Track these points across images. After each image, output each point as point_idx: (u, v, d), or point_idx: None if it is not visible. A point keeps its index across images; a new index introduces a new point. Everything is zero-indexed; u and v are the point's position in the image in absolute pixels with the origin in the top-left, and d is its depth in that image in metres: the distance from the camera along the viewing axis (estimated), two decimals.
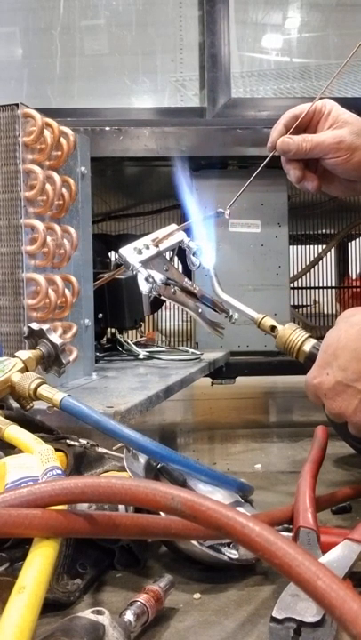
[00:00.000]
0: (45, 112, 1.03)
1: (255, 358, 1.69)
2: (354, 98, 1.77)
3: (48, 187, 1.01)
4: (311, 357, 0.82)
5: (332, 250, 2.59)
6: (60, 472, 0.62)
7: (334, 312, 2.64)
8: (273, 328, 0.87)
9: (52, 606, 0.62)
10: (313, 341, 0.85)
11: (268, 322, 0.88)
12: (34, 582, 0.46)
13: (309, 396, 0.79)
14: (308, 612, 0.52)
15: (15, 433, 0.69)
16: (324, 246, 2.44)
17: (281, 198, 1.69)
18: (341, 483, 1.09)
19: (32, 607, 0.44)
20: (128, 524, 0.55)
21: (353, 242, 2.84)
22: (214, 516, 0.46)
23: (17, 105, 0.99)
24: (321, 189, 1.01)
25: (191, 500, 0.47)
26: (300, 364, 1.76)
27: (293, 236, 2.32)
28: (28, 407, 0.78)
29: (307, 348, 0.86)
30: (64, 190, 1.07)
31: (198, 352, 1.56)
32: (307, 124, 0.98)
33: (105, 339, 1.68)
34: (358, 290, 2.74)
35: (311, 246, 2.56)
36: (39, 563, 0.48)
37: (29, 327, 0.85)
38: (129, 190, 2.14)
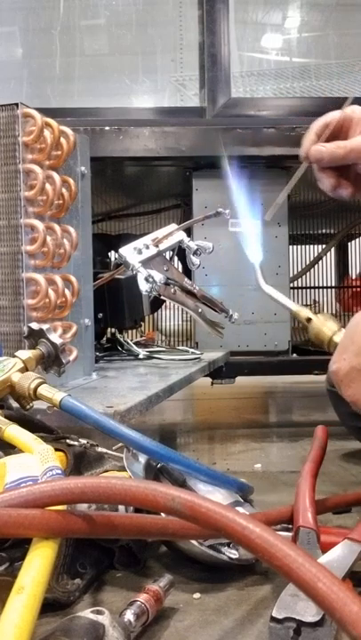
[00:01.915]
0: (45, 112, 1.03)
1: (255, 358, 1.69)
2: (354, 98, 1.76)
3: (48, 186, 1.01)
4: None
5: (332, 250, 2.59)
6: (59, 472, 0.62)
7: (334, 312, 2.64)
8: (309, 319, 0.86)
9: (52, 606, 0.62)
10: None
11: (305, 313, 0.87)
12: (33, 583, 0.46)
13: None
14: (308, 611, 0.52)
15: (15, 433, 0.69)
16: (324, 246, 2.44)
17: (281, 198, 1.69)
18: (341, 482, 1.09)
19: (31, 607, 0.44)
20: (126, 524, 0.55)
21: (353, 242, 2.83)
22: (215, 517, 0.46)
23: (17, 105, 0.99)
24: (356, 196, 1.01)
25: (191, 500, 0.47)
26: (300, 363, 1.77)
27: (293, 236, 2.32)
28: (28, 407, 0.78)
29: (337, 338, 0.85)
30: (64, 190, 1.07)
31: (198, 352, 1.57)
32: (337, 132, 0.98)
33: (105, 338, 1.68)
34: (358, 290, 2.74)
35: (311, 246, 2.56)
36: (38, 563, 0.48)
37: (29, 327, 0.85)
38: (129, 190, 2.14)
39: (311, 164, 0.95)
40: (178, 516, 0.48)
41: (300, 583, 0.40)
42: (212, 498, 0.53)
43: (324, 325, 0.84)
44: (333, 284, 2.76)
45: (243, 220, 1.03)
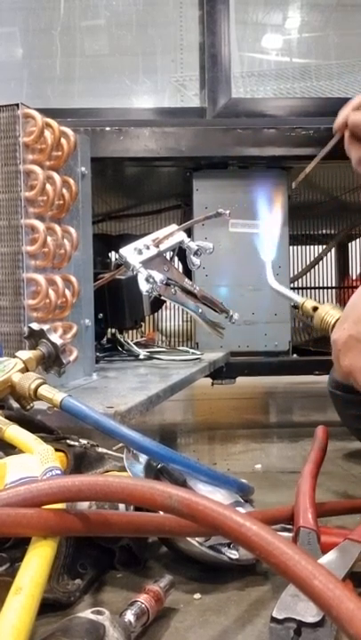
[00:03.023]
0: (46, 112, 1.03)
1: (255, 358, 1.69)
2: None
3: (48, 187, 1.01)
4: None
5: (333, 250, 2.59)
6: (59, 472, 0.62)
7: None
8: (315, 308, 0.89)
9: (53, 606, 0.62)
10: None
11: (311, 303, 0.90)
12: (31, 583, 0.46)
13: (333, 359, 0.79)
14: (309, 612, 0.52)
15: (15, 433, 0.69)
16: (324, 246, 2.44)
17: (281, 198, 1.69)
18: (342, 483, 1.09)
19: (29, 608, 0.44)
20: (122, 522, 0.56)
21: (353, 242, 2.83)
22: (212, 515, 0.46)
23: (17, 105, 0.99)
24: None
25: (189, 498, 0.47)
26: (300, 364, 1.77)
27: (293, 236, 2.32)
28: (29, 407, 0.78)
29: None
30: (64, 190, 1.07)
31: (198, 352, 1.57)
32: None
33: (105, 339, 1.68)
34: None
35: (311, 246, 2.56)
36: (36, 563, 0.48)
37: (30, 327, 0.85)
38: (129, 190, 2.14)
39: (343, 135, 0.98)
40: (175, 514, 0.48)
41: (296, 581, 0.40)
42: (213, 498, 0.53)
43: (328, 313, 0.86)
44: (334, 285, 2.76)
45: (262, 222, 1.07)
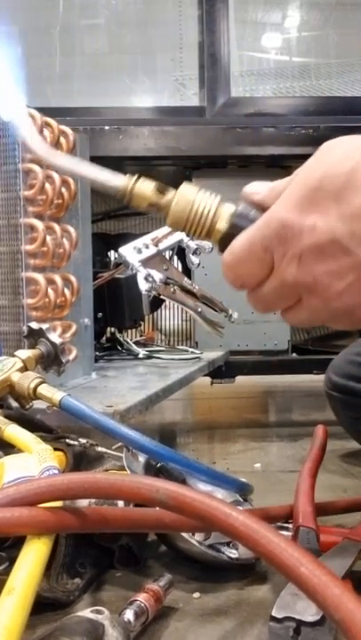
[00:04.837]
0: (45, 111, 1.03)
1: (255, 358, 1.69)
2: (353, 97, 1.77)
3: (47, 186, 1.01)
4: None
5: None
6: (56, 471, 0.62)
7: None
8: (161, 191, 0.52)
9: (52, 605, 0.62)
10: (233, 207, 0.51)
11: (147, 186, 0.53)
12: (23, 583, 0.46)
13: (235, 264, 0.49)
14: (308, 611, 0.52)
15: (15, 432, 0.69)
16: None
17: None
18: (341, 482, 1.09)
19: (21, 608, 0.44)
20: (119, 518, 0.55)
21: None
22: (199, 506, 0.46)
23: None
24: None
25: (176, 491, 0.48)
26: (299, 363, 1.77)
27: None
28: (28, 406, 0.78)
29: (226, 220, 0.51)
30: (63, 189, 1.07)
31: (198, 351, 1.56)
32: None
33: (104, 338, 1.68)
34: None
35: None
36: (29, 562, 0.48)
37: (29, 326, 0.85)
38: None
39: None
40: (163, 507, 0.49)
41: (283, 568, 0.40)
42: None
43: (196, 201, 0.50)
44: None
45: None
